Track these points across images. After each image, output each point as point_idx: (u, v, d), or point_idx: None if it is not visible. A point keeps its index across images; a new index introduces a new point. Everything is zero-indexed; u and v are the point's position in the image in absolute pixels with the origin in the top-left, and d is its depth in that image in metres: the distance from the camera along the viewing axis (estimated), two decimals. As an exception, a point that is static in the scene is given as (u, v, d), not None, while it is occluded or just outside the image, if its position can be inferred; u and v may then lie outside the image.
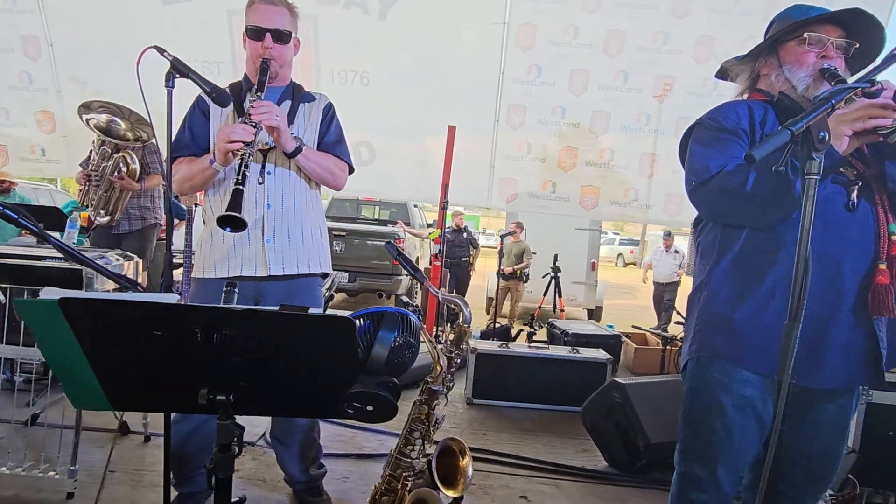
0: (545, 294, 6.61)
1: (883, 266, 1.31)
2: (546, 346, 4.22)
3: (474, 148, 4.34)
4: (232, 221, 1.64)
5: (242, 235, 1.87)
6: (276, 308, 1.02)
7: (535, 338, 4.90)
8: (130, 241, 3.73)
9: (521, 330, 5.91)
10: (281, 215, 1.95)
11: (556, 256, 6.50)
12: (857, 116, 1.21)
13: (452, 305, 1.77)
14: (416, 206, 9.03)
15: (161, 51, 1.66)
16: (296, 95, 2.03)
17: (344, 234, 7.57)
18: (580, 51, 4.09)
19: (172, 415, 1.70)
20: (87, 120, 3.45)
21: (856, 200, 1.33)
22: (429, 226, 8.61)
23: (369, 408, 1.06)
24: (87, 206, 3.58)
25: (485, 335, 5.50)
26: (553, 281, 6.54)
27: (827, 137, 1.03)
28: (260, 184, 1.91)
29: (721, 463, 1.42)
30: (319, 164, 1.97)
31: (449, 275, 7.72)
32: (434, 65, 4.11)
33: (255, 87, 1.83)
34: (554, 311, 6.70)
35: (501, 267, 6.74)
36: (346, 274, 7.38)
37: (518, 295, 7.66)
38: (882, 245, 1.32)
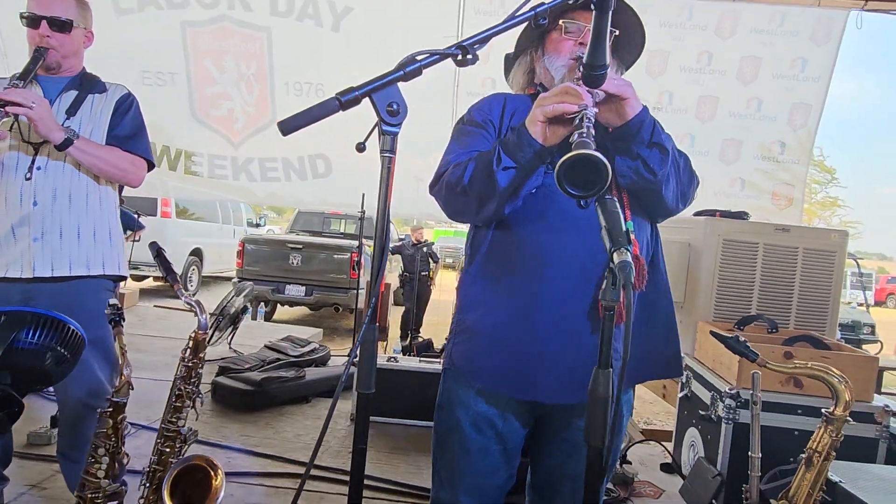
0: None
1: None
2: (438, 360, 3.97)
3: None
4: None
5: (7, 234, 1.82)
6: None
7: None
8: None
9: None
10: (51, 212, 1.85)
11: None
12: (548, 101, 1.13)
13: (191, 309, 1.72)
14: (385, 219, 8.82)
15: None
16: (84, 86, 1.95)
17: (301, 247, 7.55)
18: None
19: None
20: None
21: None
22: (400, 239, 8.51)
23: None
24: None
25: (405, 350, 5.33)
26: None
27: (396, 107, 0.96)
28: (27, 180, 1.82)
29: (463, 488, 1.32)
30: (100, 158, 1.87)
31: (407, 289, 7.65)
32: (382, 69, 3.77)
33: (19, 74, 1.80)
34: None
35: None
36: (304, 287, 7.36)
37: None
38: None
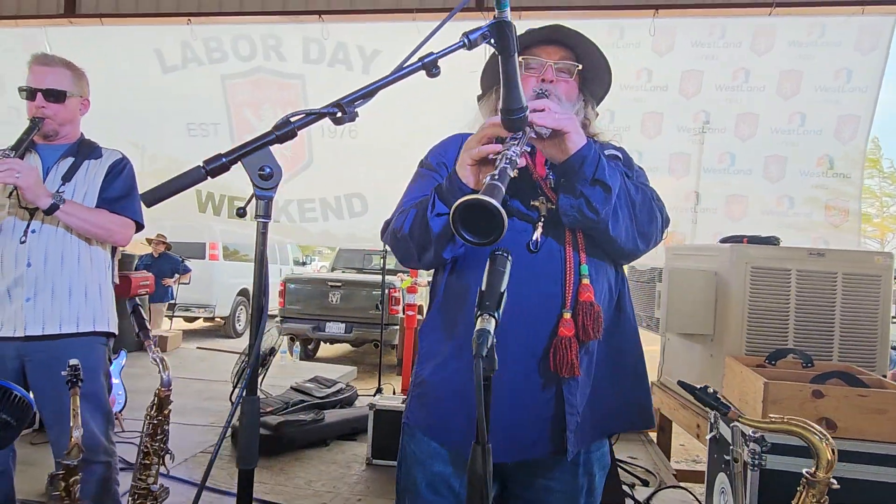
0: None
1: (567, 315, 1.14)
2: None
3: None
4: None
5: (3, 295, 1.91)
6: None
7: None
8: None
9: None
10: (43, 274, 1.94)
11: None
12: (473, 143, 1.13)
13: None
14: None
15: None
16: (81, 152, 2.07)
17: (340, 284, 7.63)
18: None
19: None
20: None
21: (539, 240, 1.18)
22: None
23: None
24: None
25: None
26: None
27: (269, 171, 0.94)
28: (22, 243, 1.92)
29: None
30: (87, 220, 1.97)
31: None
32: (418, 114, 4.03)
33: (13, 145, 1.89)
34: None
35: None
36: (343, 325, 7.42)
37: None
38: (567, 290, 1.15)
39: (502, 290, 0.88)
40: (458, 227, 0.91)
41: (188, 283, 8.17)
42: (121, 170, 2.09)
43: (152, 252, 7.77)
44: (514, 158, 1.02)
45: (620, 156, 1.30)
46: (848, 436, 1.75)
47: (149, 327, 1.90)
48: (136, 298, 2.01)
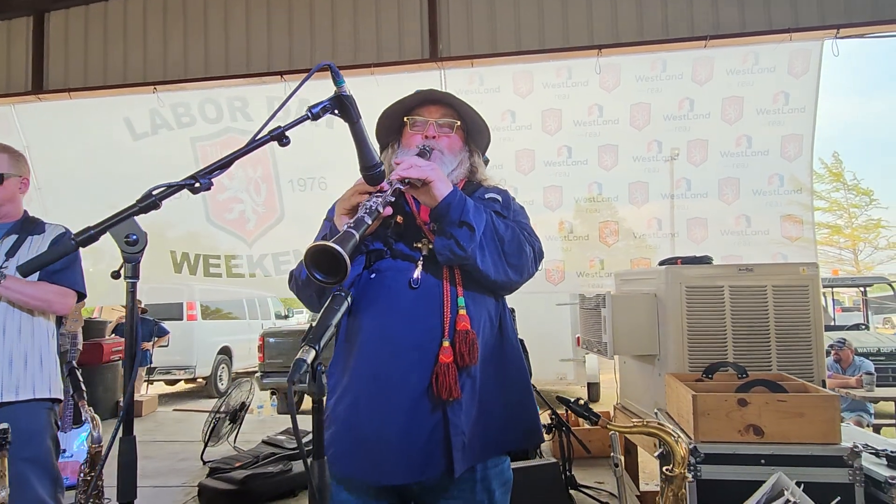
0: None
1: (446, 343, 1.26)
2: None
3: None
4: None
5: None
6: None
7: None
8: None
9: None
10: None
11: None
12: (344, 197, 1.30)
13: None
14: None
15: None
16: (24, 229, 2.20)
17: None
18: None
19: None
20: None
21: (420, 277, 1.30)
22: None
23: None
24: None
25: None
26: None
27: (135, 238, 1.03)
28: None
29: None
30: (25, 294, 2.08)
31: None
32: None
33: None
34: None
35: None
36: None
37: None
38: (445, 321, 1.27)
39: (329, 324, 1.01)
40: (311, 269, 1.03)
41: (167, 346, 8.07)
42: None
43: (129, 317, 7.68)
44: (374, 208, 1.15)
45: (500, 198, 1.44)
46: (774, 440, 1.81)
47: (83, 388, 1.98)
48: (73, 361, 2.10)
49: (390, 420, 1.23)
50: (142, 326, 7.69)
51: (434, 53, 4.09)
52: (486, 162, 1.55)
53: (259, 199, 4.55)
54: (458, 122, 1.45)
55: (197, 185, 1.05)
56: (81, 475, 1.78)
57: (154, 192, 1.05)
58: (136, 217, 1.04)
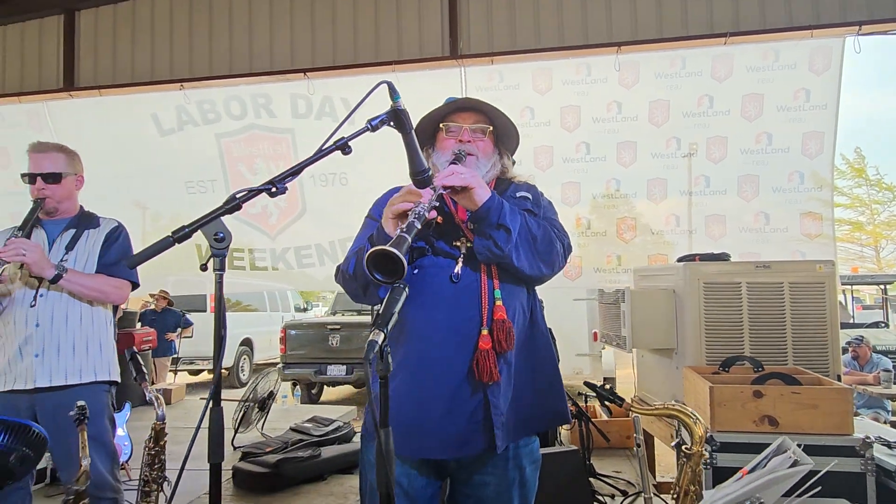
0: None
1: (485, 331, 1.38)
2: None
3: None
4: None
5: (16, 353, 2.17)
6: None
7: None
8: None
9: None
10: (49, 332, 2.19)
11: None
12: (395, 201, 1.37)
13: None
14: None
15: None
16: (81, 224, 2.34)
17: (339, 327, 7.76)
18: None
19: None
20: None
21: (460, 272, 1.42)
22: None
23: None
24: None
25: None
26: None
27: (222, 236, 1.16)
28: (32, 307, 2.19)
29: None
30: (84, 286, 2.22)
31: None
32: (403, 160, 4.04)
33: (20, 225, 2.19)
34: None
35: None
36: (344, 367, 7.49)
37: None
38: (484, 311, 1.40)
39: (393, 312, 1.12)
40: (371, 271, 1.14)
41: (191, 337, 8.26)
42: (116, 237, 2.37)
43: (155, 308, 7.88)
44: (421, 213, 1.26)
45: (530, 195, 1.55)
46: (788, 430, 1.87)
47: (145, 371, 2.11)
48: (134, 349, 2.30)
49: (434, 400, 1.36)
50: (167, 318, 7.93)
51: (454, 51, 4.14)
52: (514, 163, 1.65)
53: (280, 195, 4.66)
54: (490, 128, 1.56)
55: (274, 189, 1.19)
56: (146, 450, 1.92)
57: (238, 196, 1.18)
58: (221, 217, 1.17)
